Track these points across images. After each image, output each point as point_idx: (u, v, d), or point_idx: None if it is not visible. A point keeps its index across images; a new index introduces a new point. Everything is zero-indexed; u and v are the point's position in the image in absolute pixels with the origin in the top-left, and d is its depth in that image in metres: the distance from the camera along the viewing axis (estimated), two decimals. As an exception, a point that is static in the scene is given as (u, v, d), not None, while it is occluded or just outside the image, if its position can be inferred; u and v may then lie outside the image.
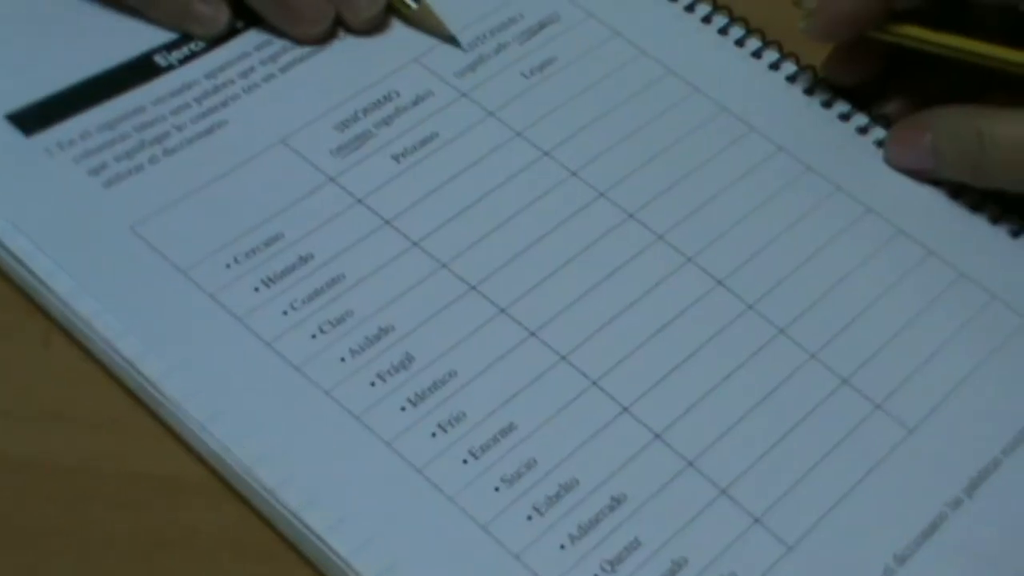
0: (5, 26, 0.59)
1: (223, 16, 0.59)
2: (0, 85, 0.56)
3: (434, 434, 0.48)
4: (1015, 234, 0.58)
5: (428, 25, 0.61)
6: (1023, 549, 0.49)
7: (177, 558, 0.47)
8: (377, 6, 0.60)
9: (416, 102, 0.58)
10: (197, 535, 0.47)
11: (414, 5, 0.61)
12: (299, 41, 0.60)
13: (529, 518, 0.47)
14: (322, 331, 0.50)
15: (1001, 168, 0.56)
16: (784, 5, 0.59)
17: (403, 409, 0.49)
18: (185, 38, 0.59)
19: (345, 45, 0.60)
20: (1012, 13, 0.56)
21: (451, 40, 0.61)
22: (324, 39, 0.60)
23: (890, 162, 0.59)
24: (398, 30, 0.61)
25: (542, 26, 0.62)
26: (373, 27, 0.61)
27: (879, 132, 0.60)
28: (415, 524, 0.47)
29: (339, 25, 0.61)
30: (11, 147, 0.54)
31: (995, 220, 0.58)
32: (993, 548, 0.49)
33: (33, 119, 0.55)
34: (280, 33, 0.60)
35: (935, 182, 0.58)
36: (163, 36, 0.59)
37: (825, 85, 0.61)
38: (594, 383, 0.50)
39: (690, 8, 0.63)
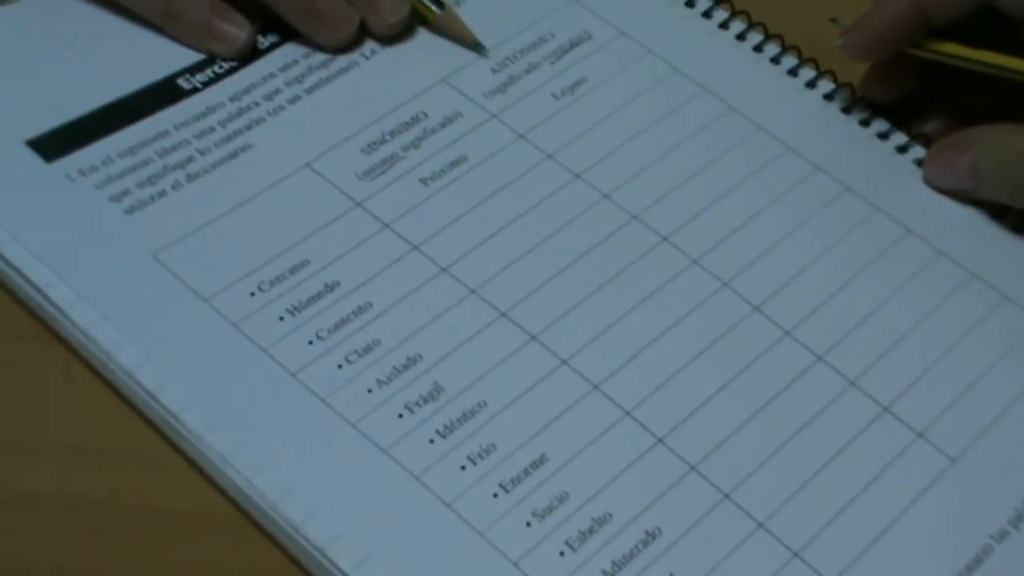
0: (26, 51, 0.59)
1: (244, 35, 0.60)
2: (21, 111, 0.57)
3: (464, 467, 0.48)
4: None
5: (452, 31, 0.62)
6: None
7: (199, 595, 0.47)
8: (401, 11, 0.61)
9: (444, 124, 0.58)
10: (218, 571, 0.47)
11: (438, 11, 0.61)
12: (324, 46, 0.60)
13: (562, 554, 0.46)
14: (348, 361, 0.50)
15: None
16: (821, 22, 0.60)
17: (432, 441, 0.48)
18: (210, 60, 0.59)
19: (372, 65, 0.60)
20: None
21: (476, 47, 0.61)
22: (350, 45, 0.61)
23: (929, 182, 0.59)
24: (426, 48, 0.62)
25: (573, 45, 0.62)
26: (396, 32, 0.61)
27: (918, 151, 0.60)
28: (445, 561, 0.46)
29: (364, 31, 0.61)
30: (32, 173, 0.55)
31: None
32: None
33: (54, 145, 0.55)
34: (306, 41, 0.60)
35: (976, 203, 0.58)
36: (187, 58, 0.59)
37: (863, 103, 0.61)
38: (627, 413, 0.50)
39: (724, 26, 0.63)
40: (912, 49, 0.58)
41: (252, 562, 0.47)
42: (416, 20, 0.62)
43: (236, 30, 0.60)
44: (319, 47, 0.60)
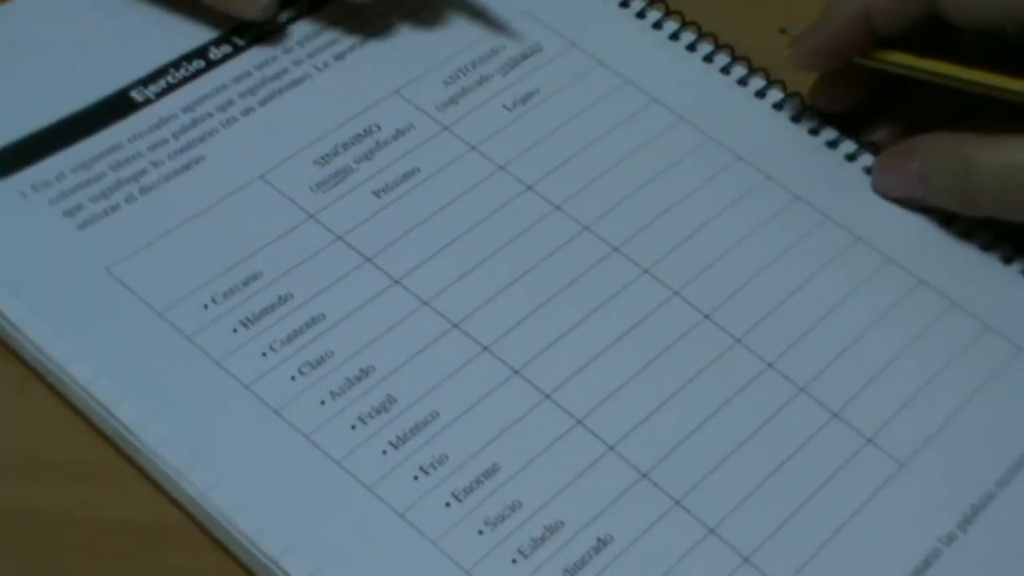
0: None
1: None
2: None
3: (416, 477, 0.48)
4: (1007, 260, 0.58)
5: None
6: (1019, 583, 0.50)
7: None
8: None
9: (397, 136, 0.58)
10: None
11: None
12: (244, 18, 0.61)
13: (514, 561, 0.47)
14: (302, 373, 0.50)
15: (987, 195, 0.56)
16: (770, 33, 0.60)
17: (384, 452, 0.49)
18: (162, 71, 0.59)
19: (325, 77, 0.61)
20: (998, 39, 0.57)
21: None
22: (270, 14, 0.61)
23: (878, 190, 0.59)
24: (379, 60, 0.62)
25: (525, 57, 0.62)
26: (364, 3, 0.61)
27: (867, 159, 0.60)
28: (398, 570, 0.46)
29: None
30: None
31: (986, 247, 0.58)
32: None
33: (7, 162, 0.55)
34: (259, 52, 0.61)
35: (924, 210, 0.59)
36: (140, 70, 0.59)
37: (812, 112, 0.62)
38: (579, 422, 0.50)
39: (675, 36, 0.64)
40: (860, 59, 0.58)
41: (209, 573, 0.47)
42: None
43: None
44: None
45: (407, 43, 0.62)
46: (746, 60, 0.63)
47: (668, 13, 0.64)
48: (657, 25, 0.64)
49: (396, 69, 0.61)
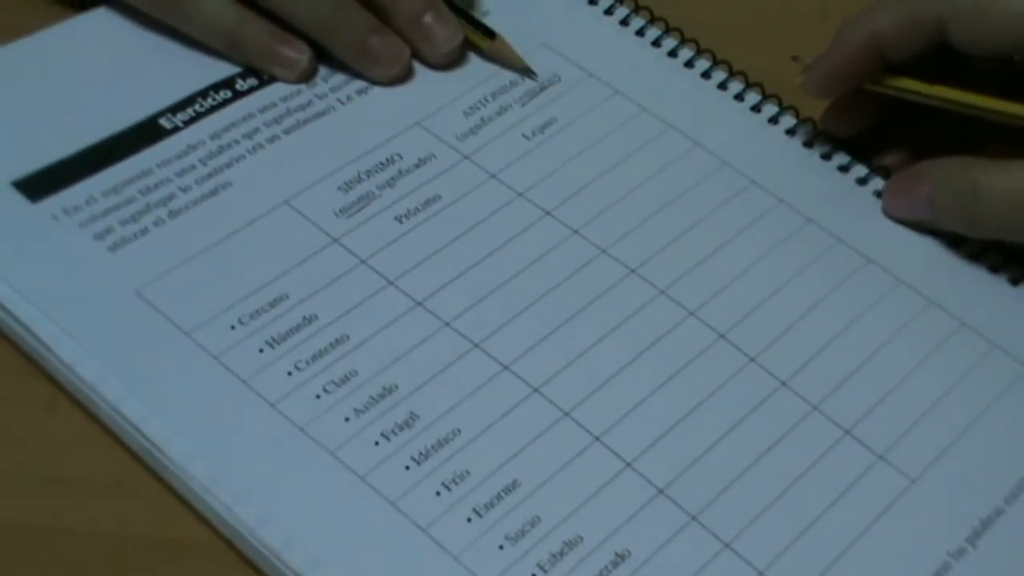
0: (10, 93, 0.60)
1: (305, 59, 0.61)
2: (6, 152, 0.57)
3: (438, 492, 0.48)
4: (1015, 282, 0.58)
5: (504, 58, 0.63)
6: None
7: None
8: (455, 40, 0.62)
9: (418, 165, 0.59)
10: None
11: (489, 41, 0.63)
12: (376, 82, 0.62)
13: (534, 575, 0.47)
14: (326, 391, 0.51)
15: (995, 219, 0.56)
16: (783, 59, 0.60)
17: (407, 468, 0.49)
18: (190, 99, 0.60)
19: (349, 109, 0.61)
20: (1007, 65, 0.57)
21: (527, 72, 0.63)
22: (402, 79, 0.62)
23: (888, 213, 0.59)
24: (400, 93, 0.62)
25: (543, 87, 0.63)
26: (451, 61, 0.63)
27: (878, 183, 0.60)
28: None
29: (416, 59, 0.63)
30: (17, 214, 0.55)
31: (995, 269, 0.58)
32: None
33: (39, 186, 0.56)
34: (284, 85, 0.61)
35: (934, 232, 0.59)
36: (169, 98, 0.60)
37: (824, 137, 0.62)
38: (597, 439, 0.50)
39: (690, 64, 0.64)
40: (870, 85, 0.59)
41: None
42: (467, 47, 0.63)
43: (297, 54, 0.61)
44: (371, 80, 0.62)
45: (428, 77, 0.63)
46: (759, 87, 0.63)
47: (683, 41, 0.64)
48: (672, 53, 0.64)
49: (417, 102, 0.62)
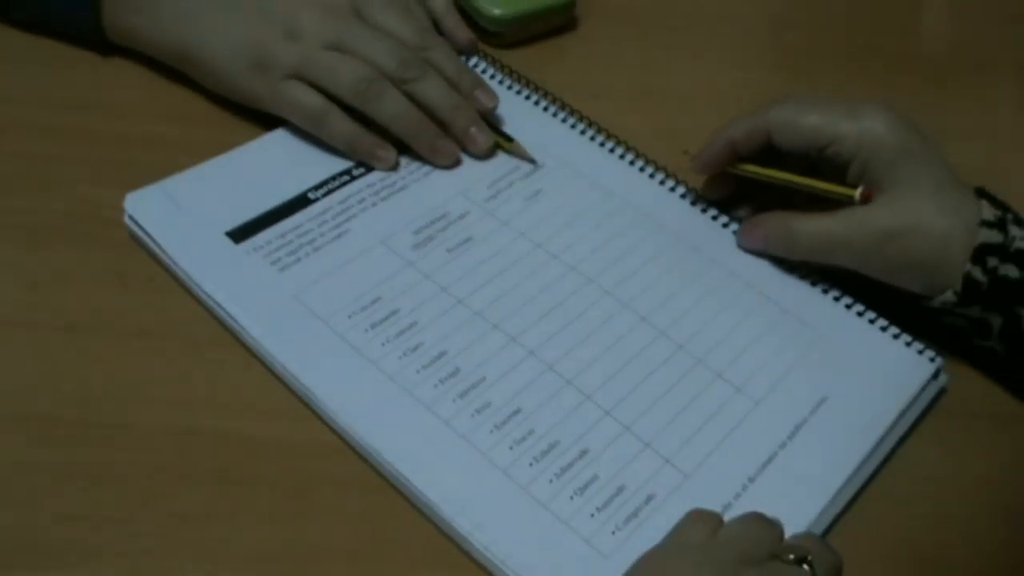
0: (226, 181, 0.59)
1: (392, 156, 0.61)
2: (223, 214, 0.57)
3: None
4: (813, 284, 0.59)
5: (518, 152, 0.62)
6: (829, 475, 0.50)
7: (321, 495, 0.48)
8: (489, 142, 0.62)
9: (460, 217, 0.59)
10: (331, 480, 0.48)
11: (508, 143, 0.63)
12: (437, 167, 0.61)
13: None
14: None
15: (803, 249, 0.57)
16: (679, 154, 0.61)
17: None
18: (328, 180, 0.59)
19: (418, 184, 0.61)
20: (806, 157, 0.58)
21: (532, 162, 0.62)
22: (454, 166, 0.61)
23: (741, 245, 0.60)
24: (450, 175, 0.61)
25: (535, 170, 0.63)
26: (485, 155, 0.62)
27: (735, 226, 0.61)
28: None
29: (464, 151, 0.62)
30: (228, 252, 0.55)
31: (803, 276, 0.59)
32: (812, 472, 0.50)
33: (240, 234, 0.56)
34: (381, 173, 0.61)
35: (770, 256, 0.59)
36: (313, 180, 0.59)
37: (703, 199, 0.62)
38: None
39: (622, 156, 0.64)
40: (730, 168, 0.60)
41: (355, 476, 0.48)
42: (494, 146, 0.63)
43: (389, 155, 0.61)
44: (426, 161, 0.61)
45: (469, 164, 0.62)
46: (665, 169, 0.63)
47: (618, 142, 0.64)
48: (611, 150, 0.64)
49: (461, 179, 0.61)
